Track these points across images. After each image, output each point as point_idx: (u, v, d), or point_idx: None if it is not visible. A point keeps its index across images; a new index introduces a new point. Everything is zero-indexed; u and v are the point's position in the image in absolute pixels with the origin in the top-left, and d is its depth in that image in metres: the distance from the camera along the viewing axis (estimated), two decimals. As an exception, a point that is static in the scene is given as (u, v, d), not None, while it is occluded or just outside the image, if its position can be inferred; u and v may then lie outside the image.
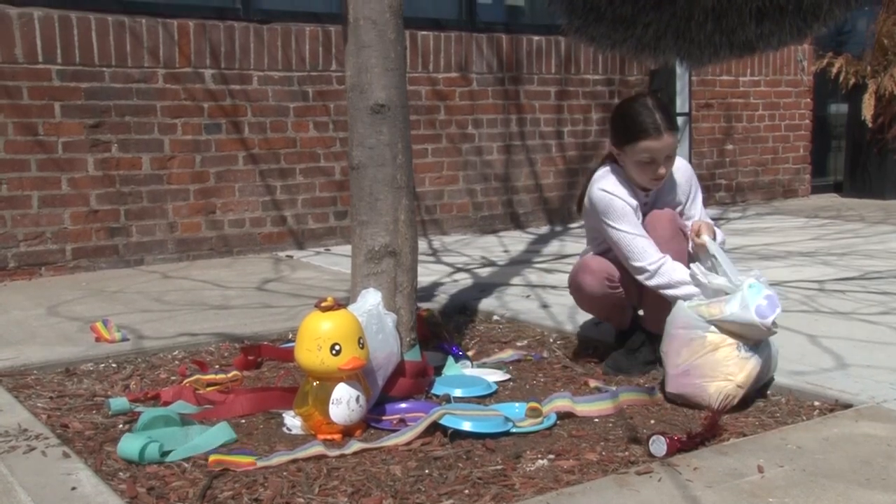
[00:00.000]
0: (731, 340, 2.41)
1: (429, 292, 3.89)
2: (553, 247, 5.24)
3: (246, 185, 5.07)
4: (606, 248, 2.80)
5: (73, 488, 1.94)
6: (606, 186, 2.69)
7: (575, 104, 6.20)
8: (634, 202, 2.69)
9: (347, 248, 2.78)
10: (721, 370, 2.40)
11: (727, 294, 2.44)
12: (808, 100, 7.37)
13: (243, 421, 2.41)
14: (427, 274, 4.27)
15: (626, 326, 2.85)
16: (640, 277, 2.64)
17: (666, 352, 2.51)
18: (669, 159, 2.65)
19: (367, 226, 2.61)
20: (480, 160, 5.89)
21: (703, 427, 2.22)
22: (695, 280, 2.52)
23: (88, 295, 4.03)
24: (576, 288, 2.83)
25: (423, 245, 5.14)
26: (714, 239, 2.61)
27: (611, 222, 2.67)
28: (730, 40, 1.07)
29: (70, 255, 4.59)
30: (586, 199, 2.78)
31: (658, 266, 2.60)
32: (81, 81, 4.53)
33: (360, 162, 2.61)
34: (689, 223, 2.73)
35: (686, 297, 2.54)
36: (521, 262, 4.75)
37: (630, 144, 2.63)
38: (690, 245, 2.67)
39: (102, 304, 3.83)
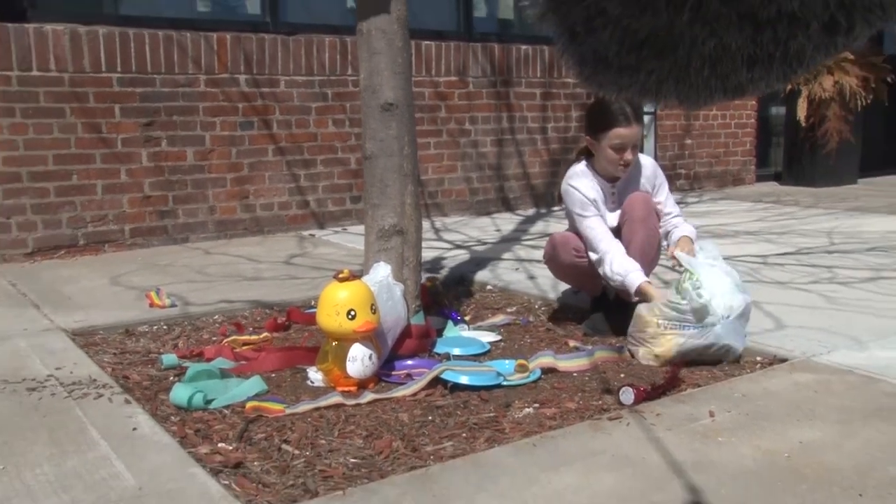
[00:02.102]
0: (656, 318, 2.41)
1: (432, 266, 3.89)
2: (538, 226, 5.23)
3: (274, 174, 5.05)
4: None
5: (134, 429, 1.96)
6: (574, 182, 2.73)
7: (557, 104, 6.16)
8: (598, 195, 2.72)
9: (361, 228, 2.78)
10: (647, 339, 2.44)
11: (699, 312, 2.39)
12: (754, 102, 7.34)
13: (273, 375, 2.41)
14: (430, 250, 4.26)
15: (599, 293, 2.85)
16: (595, 263, 2.67)
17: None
18: (635, 148, 2.68)
19: (378, 208, 2.60)
20: (476, 152, 5.86)
21: (664, 380, 2.23)
22: (679, 307, 2.41)
23: (143, 268, 4.03)
24: (549, 258, 2.87)
25: (426, 225, 5.12)
26: (691, 252, 2.55)
27: (577, 211, 2.71)
28: (724, 84, 1.07)
29: (128, 234, 4.58)
30: (562, 190, 2.80)
31: (602, 256, 2.63)
32: (137, 87, 4.50)
33: (372, 153, 2.60)
34: (661, 210, 2.74)
35: (628, 285, 2.55)
36: (511, 239, 4.74)
37: (604, 132, 2.65)
38: (669, 252, 2.62)
39: (155, 275, 3.83)
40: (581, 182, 2.73)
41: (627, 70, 1.11)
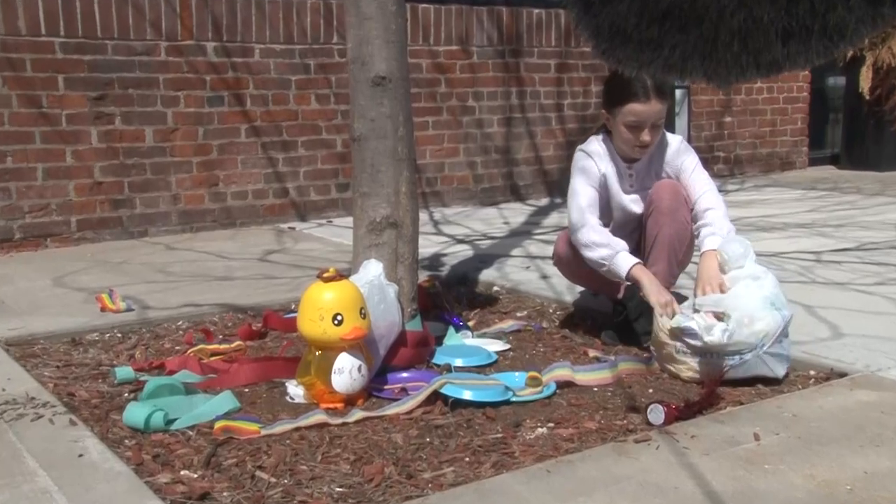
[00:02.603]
0: (669, 338, 2.43)
1: (430, 263, 3.89)
2: (553, 218, 5.23)
3: (248, 158, 5.05)
4: (605, 221, 2.83)
5: (80, 455, 1.95)
6: (586, 147, 2.78)
7: (575, 77, 6.16)
8: (608, 170, 2.74)
9: (349, 220, 2.77)
10: (664, 359, 2.46)
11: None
12: (806, 72, 7.32)
13: (247, 390, 2.41)
14: (428, 245, 4.26)
15: (618, 296, 2.84)
16: (573, 241, 2.71)
17: None
18: (655, 128, 2.66)
19: (368, 197, 2.60)
20: (481, 133, 5.86)
21: (700, 396, 2.22)
22: (693, 333, 2.40)
23: (93, 266, 4.03)
24: (557, 259, 2.89)
25: (424, 217, 5.12)
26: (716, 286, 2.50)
27: (572, 175, 2.76)
28: (756, 60, 1.07)
29: (75, 226, 4.58)
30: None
31: (575, 228, 2.68)
32: (84, 54, 4.49)
33: (361, 134, 2.60)
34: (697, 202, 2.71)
35: (615, 269, 2.60)
36: (520, 233, 4.74)
37: (619, 107, 2.66)
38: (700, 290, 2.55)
39: (107, 274, 3.83)
40: (594, 148, 2.77)
41: (648, 44, 1.11)
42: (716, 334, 2.34)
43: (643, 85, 2.62)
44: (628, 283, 2.64)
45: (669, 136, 2.79)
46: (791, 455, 1.88)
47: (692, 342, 2.37)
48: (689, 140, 6.54)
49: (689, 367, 2.40)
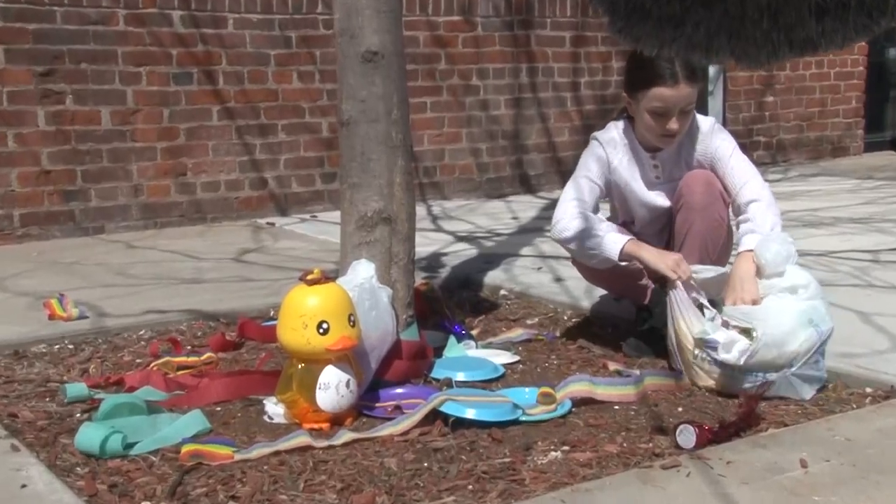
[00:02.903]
0: (690, 343, 2.47)
1: (428, 264, 3.90)
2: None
3: (221, 144, 5.06)
4: (629, 219, 2.84)
5: (24, 486, 1.94)
6: (600, 134, 2.81)
7: (593, 52, 6.16)
8: (624, 161, 2.76)
9: (336, 215, 2.78)
10: (685, 366, 2.50)
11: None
12: (863, 44, 7.31)
13: (219, 409, 2.41)
14: (426, 243, 4.27)
15: (644, 301, 2.85)
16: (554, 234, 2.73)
17: None
18: (684, 115, 2.66)
19: (358, 189, 2.61)
20: (486, 115, 5.87)
21: (737, 415, 2.22)
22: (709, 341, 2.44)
23: (40, 267, 4.03)
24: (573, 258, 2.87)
25: (421, 211, 5.11)
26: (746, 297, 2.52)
27: (579, 164, 2.79)
28: (789, 38, 1.08)
29: (18, 221, 4.58)
30: None
31: (558, 219, 2.68)
32: (29, 22, 4.50)
33: (350, 117, 2.60)
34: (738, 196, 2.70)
35: (606, 254, 2.62)
36: (531, 230, 4.74)
37: (642, 90, 2.66)
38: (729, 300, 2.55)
39: (57, 277, 3.83)
40: (610, 137, 2.78)
41: (669, 21, 1.11)
42: (733, 354, 2.37)
43: (670, 65, 2.60)
44: (624, 262, 2.64)
45: (701, 118, 2.78)
46: (845, 486, 1.88)
47: (713, 354, 2.41)
48: (724, 123, 6.55)
49: (707, 374, 2.44)
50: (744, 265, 2.54)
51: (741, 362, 2.37)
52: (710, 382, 2.45)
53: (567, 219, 2.67)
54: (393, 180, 2.61)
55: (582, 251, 2.68)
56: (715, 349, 2.40)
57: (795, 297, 2.43)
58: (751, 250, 2.54)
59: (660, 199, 2.79)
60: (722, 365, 2.41)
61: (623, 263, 2.63)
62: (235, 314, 3.22)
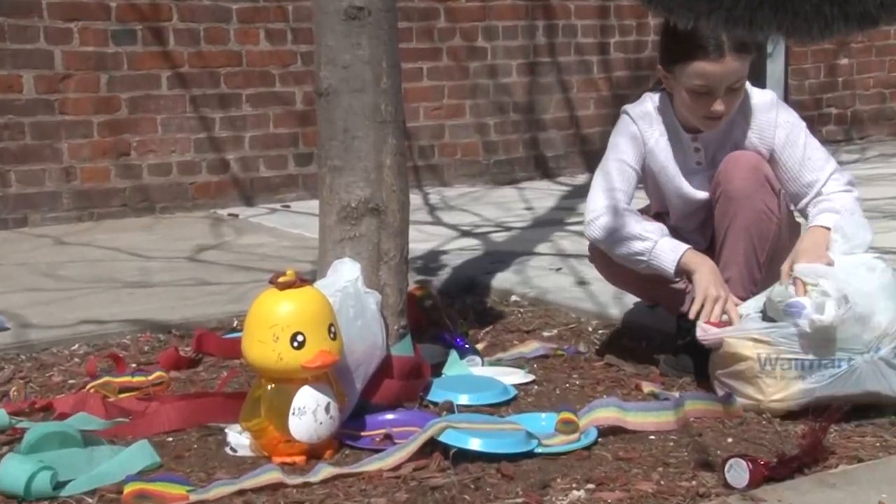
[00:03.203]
0: (752, 347, 2.47)
1: (425, 264, 3.91)
2: (594, 202, 5.24)
3: (172, 118, 5.06)
4: (664, 210, 2.86)
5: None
6: (633, 107, 2.81)
7: (625, 5, 6.17)
8: (660, 142, 2.76)
9: (313, 205, 2.79)
10: (744, 384, 2.50)
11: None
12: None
13: (170, 439, 2.41)
14: (422, 239, 4.28)
15: (683, 308, 2.85)
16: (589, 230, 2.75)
17: None
18: (732, 93, 2.65)
19: (340, 173, 2.61)
20: (494, 84, 5.88)
21: (800, 448, 2.23)
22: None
23: (-46, 267, 4.05)
24: (593, 254, 2.89)
25: (416, 200, 5.12)
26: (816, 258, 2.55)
27: (609, 145, 2.81)
28: (844, 11, 1.11)
29: (-71, 212, 4.59)
30: None
31: (593, 217, 2.69)
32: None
33: (330, 86, 2.61)
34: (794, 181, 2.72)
35: (633, 258, 2.64)
36: (549, 222, 4.76)
37: (680, 65, 2.65)
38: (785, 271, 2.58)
39: (-27, 280, 3.84)
40: (644, 111, 2.78)
41: None
42: (829, 311, 2.35)
43: (716, 36, 2.58)
44: (679, 279, 2.66)
45: (756, 91, 2.78)
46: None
47: (800, 323, 2.39)
48: (787, 92, 6.55)
49: (779, 388, 2.43)
50: (815, 234, 2.59)
51: (840, 317, 2.36)
52: (780, 404, 2.43)
53: (603, 216, 2.68)
54: (382, 163, 2.62)
55: (625, 256, 2.68)
56: (800, 314, 2.38)
57: (873, 274, 2.46)
58: (826, 227, 2.57)
59: (700, 190, 2.78)
60: (803, 355, 2.41)
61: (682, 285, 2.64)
62: (191, 325, 3.23)
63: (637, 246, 2.65)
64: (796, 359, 2.42)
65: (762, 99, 2.77)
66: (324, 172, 2.65)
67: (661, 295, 2.88)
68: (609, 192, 2.71)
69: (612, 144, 2.81)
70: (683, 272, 2.62)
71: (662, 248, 2.62)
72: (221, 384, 2.76)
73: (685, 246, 2.63)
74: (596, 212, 2.70)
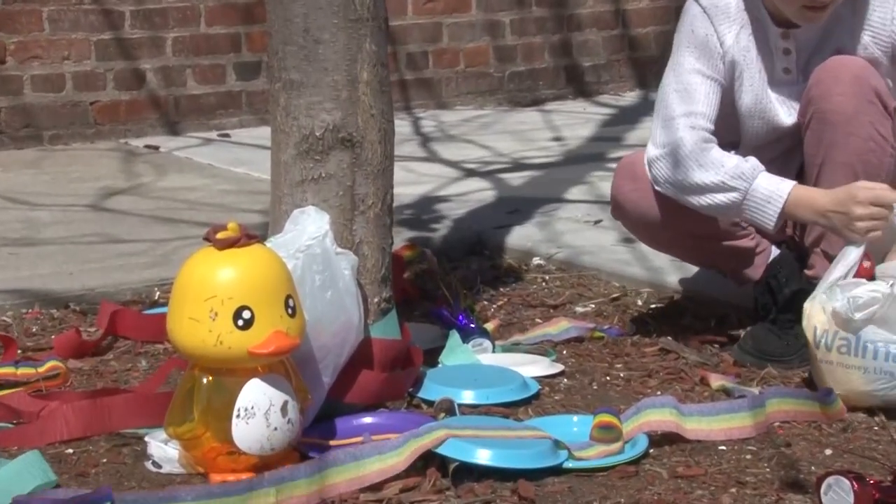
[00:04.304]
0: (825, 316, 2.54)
1: (416, 215, 3.93)
2: (647, 129, 5.25)
3: (65, 10, 5.06)
4: (733, 138, 2.88)
5: None
6: (705, 1, 2.80)
7: None
8: (743, 42, 2.78)
9: (262, 133, 2.81)
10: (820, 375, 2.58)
11: None
12: None
13: (70, 450, 2.44)
14: (412, 181, 4.30)
15: (756, 277, 2.87)
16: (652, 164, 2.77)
17: None
18: None
19: (299, 91, 2.62)
20: (511, -35, 5.88)
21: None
22: None
23: None
24: (615, 206, 2.95)
25: (404, 128, 5.14)
26: None
27: (674, 48, 2.83)
28: None
29: None
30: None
31: (663, 152, 2.73)
32: None
33: (285, -32, 2.63)
34: None
35: (724, 206, 2.66)
36: (586, 158, 4.78)
37: None
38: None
39: None
40: (718, 4, 2.79)
41: None
42: None
43: None
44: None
45: None
46: None
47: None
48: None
49: (841, 377, 2.52)
50: None
51: None
52: (847, 392, 2.52)
53: (677, 148, 2.70)
54: (356, 76, 2.63)
55: (714, 206, 2.69)
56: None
57: None
58: None
59: (789, 110, 2.82)
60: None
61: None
62: (96, 297, 3.25)
63: (730, 196, 2.65)
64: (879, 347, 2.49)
65: None
66: (277, 89, 2.65)
67: (720, 260, 2.92)
68: (685, 119, 2.73)
69: (680, 47, 2.82)
70: (790, 215, 2.66)
71: (763, 187, 2.63)
72: (156, 379, 2.72)
73: (789, 181, 2.65)
74: (665, 145, 2.73)
